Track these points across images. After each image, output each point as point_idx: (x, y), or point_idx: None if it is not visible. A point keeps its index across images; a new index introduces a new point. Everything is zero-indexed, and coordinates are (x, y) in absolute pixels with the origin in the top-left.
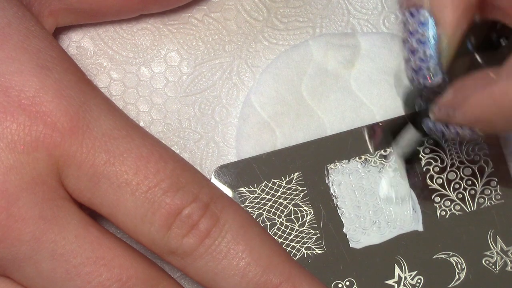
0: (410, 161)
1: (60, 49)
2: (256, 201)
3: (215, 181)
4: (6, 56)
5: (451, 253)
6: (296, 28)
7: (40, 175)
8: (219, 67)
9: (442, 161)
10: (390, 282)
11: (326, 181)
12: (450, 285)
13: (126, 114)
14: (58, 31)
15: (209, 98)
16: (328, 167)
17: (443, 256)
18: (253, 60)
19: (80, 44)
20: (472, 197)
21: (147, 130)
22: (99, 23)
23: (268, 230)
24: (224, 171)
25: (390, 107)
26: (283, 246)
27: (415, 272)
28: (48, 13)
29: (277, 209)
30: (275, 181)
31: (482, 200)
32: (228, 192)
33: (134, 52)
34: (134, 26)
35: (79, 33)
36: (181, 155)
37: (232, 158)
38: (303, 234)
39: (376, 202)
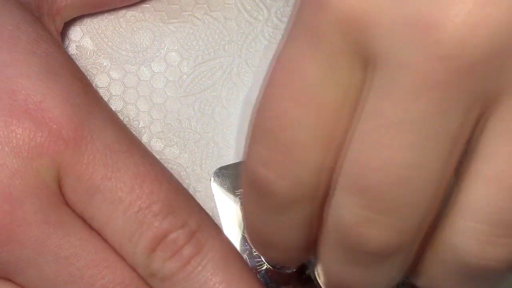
0: None
1: (67, 55)
2: None
3: (214, 183)
4: (14, 58)
5: None
6: None
7: (44, 181)
8: (219, 67)
9: None
10: None
11: None
12: None
13: (128, 128)
14: None
15: (209, 98)
16: None
17: None
18: (253, 59)
19: (80, 43)
20: None
21: (147, 130)
22: (99, 23)
23: None
24: (224, 172)
25: None
26: None
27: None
28: (56, 11)
29: None
30: None
31: None
32: (228, 194)
33: (134, 52)
34: (134, 24)
35: (78, 33)
36: (181, 155)
37: (232, 158)
38: None
39: None
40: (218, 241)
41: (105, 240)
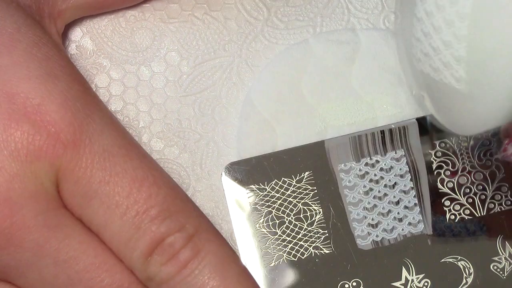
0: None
1: (68, 58)
2: (266, 199)
3: (225, 178)
4: (14, 61)
5: (459, 257)
6: (296, 27)
7: (42, 184)
8: (219, 67)
9: (453, 165)
10: (397, 284)
11: (337, 181)
12: None
13: (127, 131)
14: None
15: (209, 98)
16: (339, 167)
17: (451, 260)
18: (253, 59)
19: (80, 43)
20: (482, 202)
21: (147, 130)
22: (98, 23)
23: (277, 229)
24: (235, 168)
25: (391, 104)
26: (291, 244)
27: (423, 275)
28: (57, 13)
29: (286, 207)
30: (285, 179)
31: (492, 205)
32: (239, 189)
33: (133, 52)
34: (134, 24)
35: (78, 33)
36: (181, 155)
37: (232, 158)
38: (311, 234)
39: (385, 203)
40: (215, 245)
41: (104, 243)
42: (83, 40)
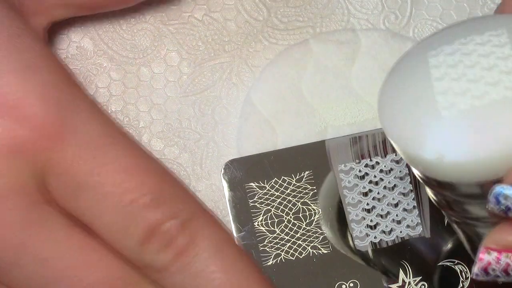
0: None
1: (47, 49)
2: (265, 197)
3: (225, 175)
4: None
5: (456, 261)
6: (296, 28)
7: (24, 180)
8: (219, 67)
9: None
10: (394, 286)
11: (336, 182)
12: None
13: (112, 120)
14: (58, 31)
15: (209, 98)
16: (339, 168)
17: (448, 263)
18: (253, 60)
19: (80, 44)
20: None
21: (147, 130)
22: (99, 23)
23: (275, 227)
24: (235, 165)
25: None
26: (290, 243)
27: (419, 278)
28: (44, 9)
29: (285, 206)
30: (285, 178)
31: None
32: (238, 186)
33: (134, 53)
34: (134, 26)
35: (79, 33)
36: (181, 155)
37: (232, 158)
38: (310, 233)
39: (384, 205)
40: (211, 230)
41: (93, 237)
42: (83, 41)
